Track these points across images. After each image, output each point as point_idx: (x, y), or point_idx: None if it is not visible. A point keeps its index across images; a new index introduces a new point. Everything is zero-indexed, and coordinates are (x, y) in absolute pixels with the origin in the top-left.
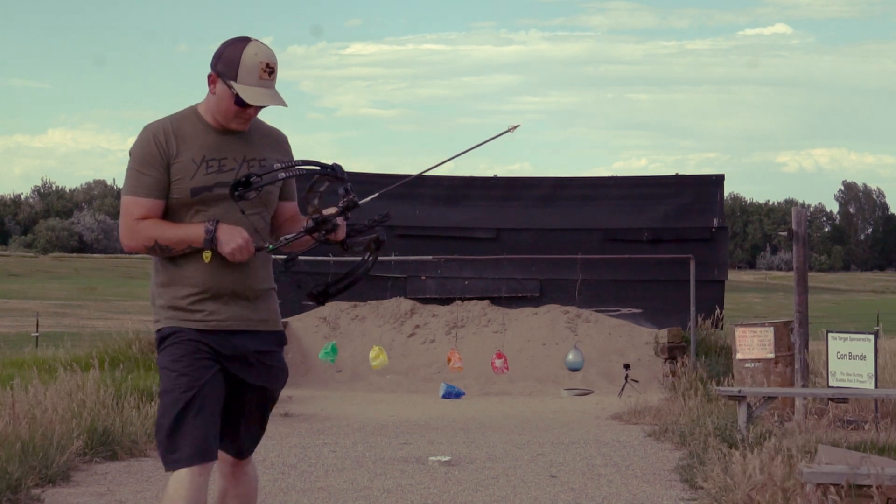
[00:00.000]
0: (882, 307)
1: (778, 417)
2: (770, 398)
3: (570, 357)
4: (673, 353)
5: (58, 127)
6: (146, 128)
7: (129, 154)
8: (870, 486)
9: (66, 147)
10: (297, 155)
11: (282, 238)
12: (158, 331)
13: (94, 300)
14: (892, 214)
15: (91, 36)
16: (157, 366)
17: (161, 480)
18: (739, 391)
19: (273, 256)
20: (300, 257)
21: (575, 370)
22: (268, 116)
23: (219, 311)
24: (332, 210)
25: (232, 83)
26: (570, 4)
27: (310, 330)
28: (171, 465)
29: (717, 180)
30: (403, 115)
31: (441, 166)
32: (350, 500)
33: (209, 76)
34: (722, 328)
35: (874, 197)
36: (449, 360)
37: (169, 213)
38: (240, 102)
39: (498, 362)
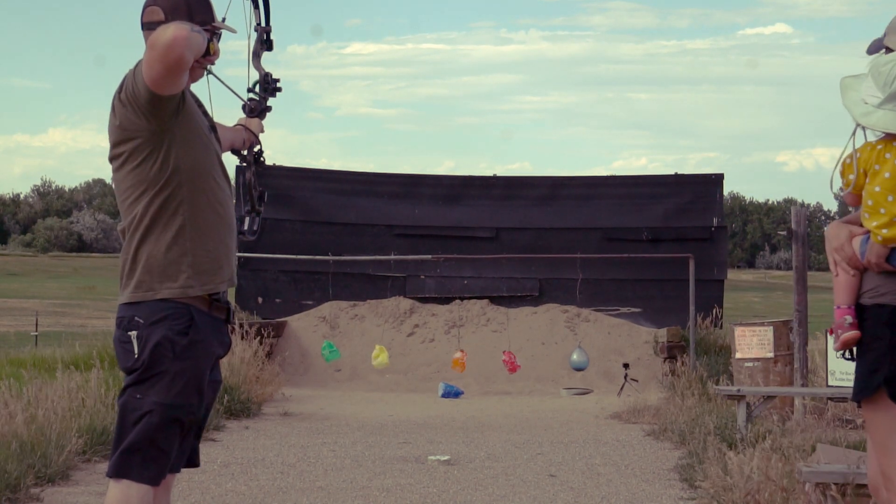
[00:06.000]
0: None
1: (777, 417)
2: (769, 397)
3: (575, 357)
4: (672, 352)
5: (58, 127)
6: None
7: None
8: None
9: (66, 146)
10: (298, 155)
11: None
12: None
13: (93, 299)
14: None
15: (91, 36)
16: (178, 354)
17: None
18: (738, 390)
19: None
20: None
21: (579, 370)
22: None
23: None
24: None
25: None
26: (569, 4)
27: (309, 329)
28: (149, 480)
29: (717, 180)
30: (403, 115)
31: (440, 166)
32: (349, 500)
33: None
34: (721, 327)
35: None
36: (456, 364)
37: None
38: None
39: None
